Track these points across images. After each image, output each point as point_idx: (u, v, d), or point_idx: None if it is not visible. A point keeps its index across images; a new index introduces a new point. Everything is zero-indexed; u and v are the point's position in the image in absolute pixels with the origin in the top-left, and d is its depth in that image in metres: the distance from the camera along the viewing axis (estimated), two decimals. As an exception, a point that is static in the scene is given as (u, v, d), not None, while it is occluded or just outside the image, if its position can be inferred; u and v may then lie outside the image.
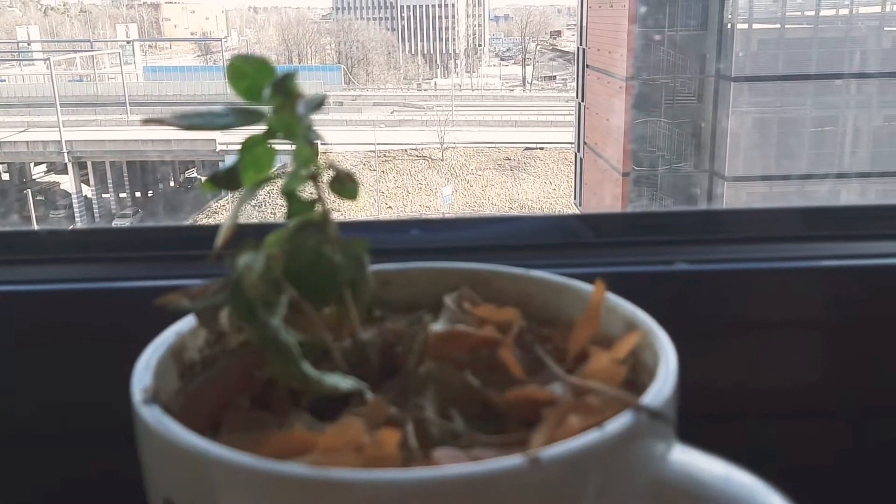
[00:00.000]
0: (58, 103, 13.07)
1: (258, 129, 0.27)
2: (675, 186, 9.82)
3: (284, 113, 0.26)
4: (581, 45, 11.98)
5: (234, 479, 0.21)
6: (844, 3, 9.98)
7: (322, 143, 0.28)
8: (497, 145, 15.14)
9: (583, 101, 11.53)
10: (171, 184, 14.31)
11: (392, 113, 17.81)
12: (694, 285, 0.48)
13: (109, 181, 13.19)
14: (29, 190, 12.48)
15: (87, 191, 12.92)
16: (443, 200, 13.71)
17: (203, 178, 0.28)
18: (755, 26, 10.02)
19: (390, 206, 13.46)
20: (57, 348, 0.47)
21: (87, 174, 12.87)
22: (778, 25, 10.05)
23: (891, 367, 0.50)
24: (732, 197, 9.17)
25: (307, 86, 0.27)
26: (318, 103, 0.27)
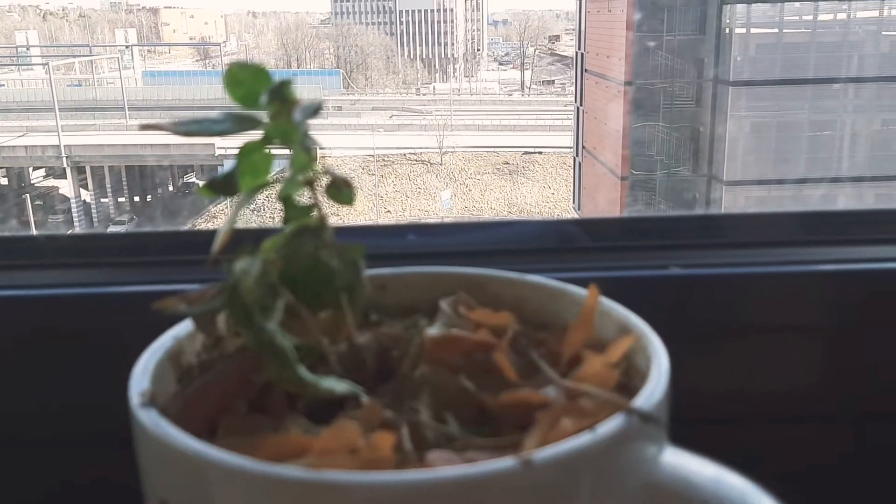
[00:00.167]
0: (57, 108, 13.08)
1: (255, 135, 0.27)
2: (674, 190, 9.83)
3: (281, 119, 0.27)
4: (579, 49, 12.00)
5: (230, 481, 0.21)
6: (842, 8, 10.00)
7: (320, 149, 0.28)
8: (496, 149, 15.16)
9: (581, 105, 11.54)
10: (170, 188, 14.31)
11: (391, 117, 17.83)
12: (688, 290, 0.48)
13: (108, 186, 13.19)
14: (28, 195, 12.48)
15: (86, 195, 12.92)
16: (442, 205, 13.71)
17: (200, 184, 0.28)
18: (753, 31, 10.04)
19: (389, 211, 13.47)
20: (55, 353, 0.47)
21: (85, 179, 12.87)
22: (776, 30, 10.07)
23: (887, 372, 0.50)
24: (731, 201, 9.18)
25: (306, 90, 0.28)
26: (315, 110, 0.28)
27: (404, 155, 14.82)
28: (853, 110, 9.78)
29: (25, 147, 13.07)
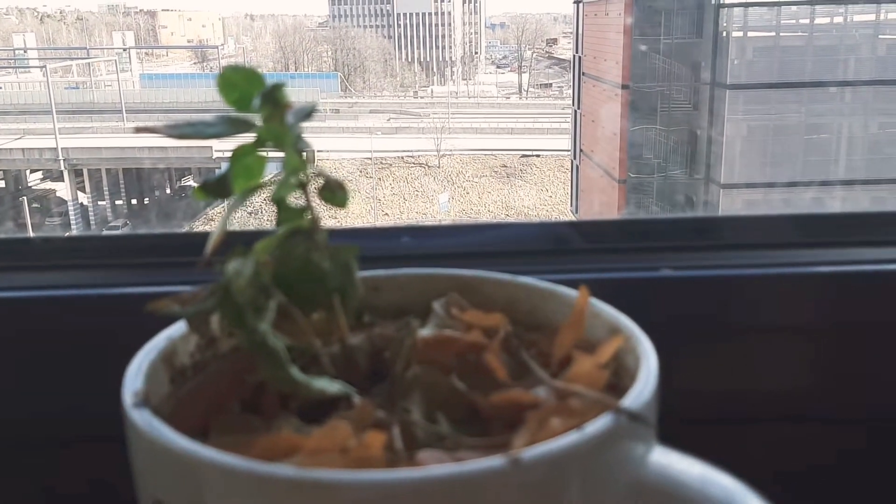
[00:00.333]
0: (54, 110, 13.07)
1: (249, 138, 0.28)
2: (671, 193, 9.84)
3: (273, 122, 0.27)
4: (577, 52, 12.02)
5: (223, 480, 0.22)
6: (839, 12, 10.02)
7: (314, 152, 0.28)
8: (493, 152, 15.17)
9: (579, 108, 11.56)
10: (167, 191, 14.30)
11: (389, 120, 17.84)
12: (679, 292, 0.49)
13: (105, 189, 13.18)
14: (25, 197, 12.47)
15: (83, 198, 12.90)
16: (440, 208, 13.72)
17: (193, 190, 0.28)
18: (750, 34, 10.06)
19: (387, 214, 13.47)
20: (50, 354, 0.48)
21: (83, 181, 12.86)
22: (773, 33, 10.09)
23: (882, 374, 0.50)
24: (728, 204, 9.19)
25: (304, 93, 0.28)
26: (308, 113, 0.28)
27: (402, 158, 14.83)
28: (850, 113, 9.80)
29: (23, 150, 13.06)
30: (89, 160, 12.83)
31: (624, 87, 9.81)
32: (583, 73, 11.50)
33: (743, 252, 0.52)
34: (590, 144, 11.04)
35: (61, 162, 12.28)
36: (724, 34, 9.65)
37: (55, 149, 12.31)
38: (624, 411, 0.23)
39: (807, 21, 10.14)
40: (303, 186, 0.28)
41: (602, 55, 10.82)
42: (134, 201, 13.80)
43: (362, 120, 17.44)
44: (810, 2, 9.96)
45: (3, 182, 13.18)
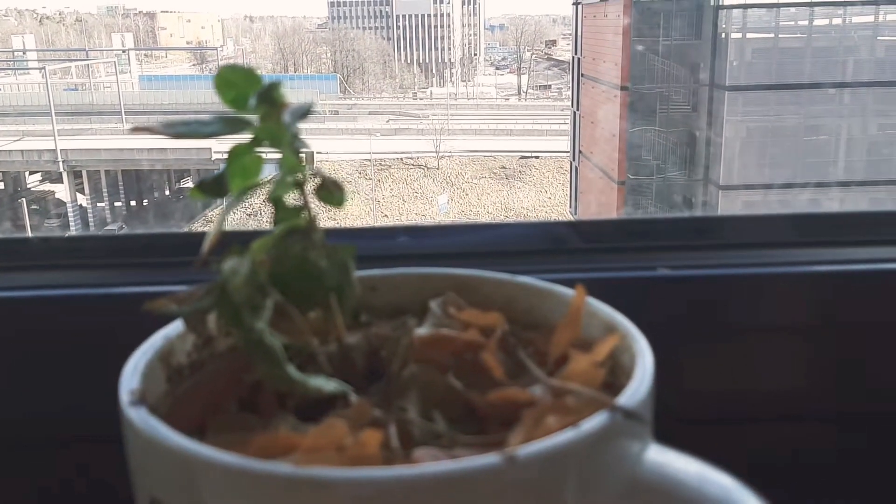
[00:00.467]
0: (53, 112, 13.07)
1: (245, 137, 0.28)
2: (670, 195, 9.84)
3: (270, 122, 0.27)
4: (576, 54, 12.02)
5: (219, 478, 0.22)
6: (838, 13, 10.04)
7: (310, 152, 0.28)
8: (493, 154, 15.17)
9: (578, 110, 11.56)
10: (166, 193, 14.30)
11: (388, 122, 17.84)
12: (676, 291, 0.49)
13: (104, 190, 13.18)
14: (24, 199, 12.46)
15: (83, 200, 12.90)
16: (439, 209, 13.72)
17: (190, 190, 0.28)
18: (749, 35, 10.06)
19: (386, 215, 13.47)
20: (47, 353, 0.48)
21: (82, 183, 12.86)
22: (772, 35, 10.10)
23: (880, 373, 0.50)
24: (727, 206, 9.19)
25: (303, 94, 0.28)
26: (304, 112, 0.28)
27: (401, 159, 14.83)
28: (849, 115, 9.81)
29: (22, 151, 13.06)
30: (88, 162, 12.83)
31: (623, 88, 9.82)
32: (582, 75, 11.50)
33: (740, 251, 0.52)
34: (589, 146, 11.04)
35: (60, 163, 12.28)
36: (723, 36, 9.65)
37: (54, 150, 12.31)
38: (619, 409, 0.23)
39: (805, 22, 10.15)
40: (300, 186, 0.28)
41: (601, 57, 10.82)
42: (133, 203, 13.80)
43: (361, 121, 17.45)
44: (809, 3, 9.97)
45: (2, 184, 13.17)
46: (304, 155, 0.28)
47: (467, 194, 14.34)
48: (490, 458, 0.21)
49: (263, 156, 0.28)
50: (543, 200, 13.97)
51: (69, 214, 12.35)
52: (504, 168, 14.80)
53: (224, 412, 0.27)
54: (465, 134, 16.27)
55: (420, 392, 0.27)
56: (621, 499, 0.24)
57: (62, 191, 12.70)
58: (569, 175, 12.61)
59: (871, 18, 10.06)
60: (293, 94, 0.29)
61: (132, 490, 0.25)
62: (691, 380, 0.42)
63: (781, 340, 0.49)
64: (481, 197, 14.22)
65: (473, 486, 0.21)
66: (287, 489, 0.21)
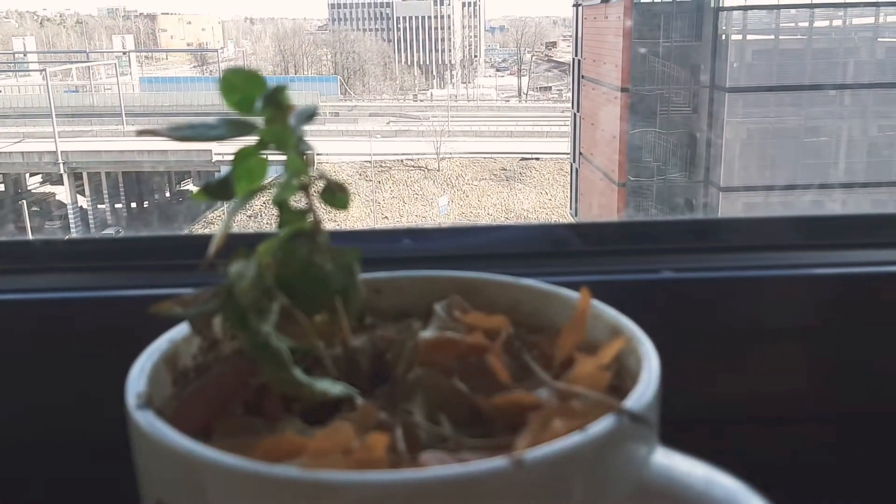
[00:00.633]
0: (53, 114, 13.08)
1: (250, 140, 0.28)
2: (670, 196, 9.85)
3: (276, 124, 0.27)
4: (576, 55, 12.03)
5: (226, 481, 0.22)
6: (838, 15, 10.04)
7: (315, 154, 0.29)
8: (493, 155, 15.18)
9: (578, 111, 11.57)
10: (167, 195, 14.31)
11: (388, 123, 17.86)
12: (680, 293, 0.49)
13: (105, 192, 13.18)
14: (24, 201, 12.47)
15: (83, 202, 12.91)
16: (439, 211, 13.73)
17: (195, 190, 0.28)
18: (749, 37, 10.07)
19: (386, 217, 13.47)
20: (51, 355, 0.48)
21: (82, 185, 12.87)
22: (772, 36, 10.10)
23: (881, 375, 0.50)
24: (728, 207, 9.20)
25: (303, 96, 0.28)
26: (310, 115, 0.28)
27: (401, 161, 14.84)
28: (849, 116, 9.82)
29: (22, 153, 13.07)
30: (89, 164, 12.84)
31: (623, 90, 9.82)
32: (582, 77, 11.51)
33: (743, 254, 0.52)
34: (589, 147, 11.05)
35: (61, 165, 12.29)
36: (723, 37, 9.66)
37: (55, 152, 12.32)
38: (626, 412, 0.23)
39: (806, 24, 10.15)
40: (304, 188, 0.28)
41: (601, 58, 10.83)
42: (133, 204, 13.80)
43: (362, 123, 17.46)
44: (809, 5, 9.98)
45: (2, 186, 13.18)
46: (308, 157, 0.28)
47: (468, 196, 14.34)
48: (498, 462, 0.21)
49: (268, 158, 0.28)
50: (544, 202, 13.97)
51: (70, 216, 12.36)
52: (504, 170, 14.81)
53: (229, 415, 0.27)
54: (466, 135, 16.29)
55: (425, 395, 0.27)
56: (628, 502, 0.24)
57: (63, 193, 12.71)
58: (569, 177, 12.62)
59: (871, 20, 10.07)
60: (293, 96, 0.29)
61: (138, 493, 0.25)
62: (695, 382, 0.42)
63: (783, 342, 0.49)
64: (482, 198, 14.22)
65: (481, 489, 0.21)
66: (294, 492, 0.21)
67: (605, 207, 10.12)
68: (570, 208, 12.05)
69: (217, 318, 0.27)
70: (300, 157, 0.28)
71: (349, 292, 0.29)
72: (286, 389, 0.26)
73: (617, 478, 0.23)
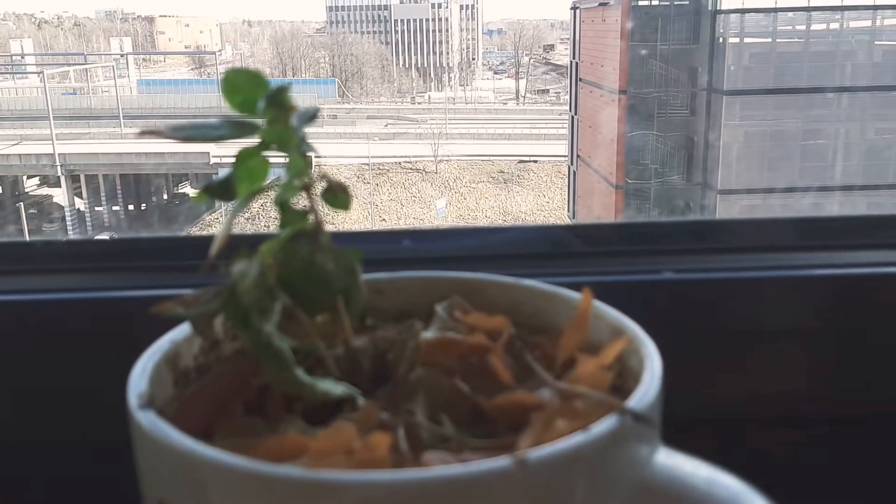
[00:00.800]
0: (51, 116, 13.06)
1: (252, 141, 0.28)
2: (668, 199, 9.86)
3: (278, 125, 0.27)
4: (574, 58, 12.05)
5: (228, 480, 0.21)
6: (835, 18, 10.06)
7: (316, 156, 0.29)
8: (491, 158, 15.19)
9: (576, 114, 11.58)
10: (165, 197, 14.30)
11: (386, 126, 17.86)
12: (681, 294, 0.49)
13: (102, 194, 13.17)
14: (21, 203, 12.46)
15: (80, 204, 12.90)
16: (437, 213, 13.73)
17: (197, 190, 0.28)
18: (746, 40, 10.09)
19: (384, 219, 13.47)
20: (51, 356, 0.48)
21: (80, 187, 12.86)
22: (769, 39, 10.12)
23: (881, 375, 0.51)
24: (725, 210, 9.21)
25: (301, 99, 0.28)
26: (311, 116, 0.28)
27: (399, 163, 14.85)
28: (846, 119, 9.83)
29: (20, 156, 13.06)
30: (86, 166, 12.83)
31: (621, 92, 9.84)
32: (580, 79, 11.53)
33: (743, 255, 0.52)
34: (587, 150, 11.06)
35: (58, 168, 12.27)
36: (721, 40, 9.68)
37: (52, 154, 12.31)
38: (629, 412, 0.23)
39: (803, 27, 10.17)
40: (306, 189, 0.28)
41: (599, 61, 10.85)
42: (131, 207, 13.79)
43: (359, 125, 17.47)
44: (807, 8, 10.00)
45: (0, 188, 13.16)
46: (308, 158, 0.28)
47: (465, 198, 14.35)
48: (501, 462, 0.21)
49: (270, 159, 0.28)
50: (541, 205, 13.98)
51: (67, 218, 12.35)
52: (502, 172, 14.82)
53: (231, 416, 0.27)
54: (464, 138, 16.30)
55: (427, 395, 0.27)
56: (631, 502, 0.24)
57: (60, 195, 12.70)
58: (567, 179, 12.63)
59: (868, 23, 10.09)
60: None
61: (139, 493, 0.25)
62: (696, 382, 0.42)
63: (783, 342, 0.50)
64: (479, 201, 14.23)
65: (484, 489, 0.21)
66: (297, 492, 0.21)
67: (602, 210, 10.13)
68: (568, 211, 12.06)
69: (218, 318, 0.27)
70: (302, 158, 0.28)
71: (351, 292, 0.29)
72: (288, 389, 0.26)
73: (620, 478, 0.23)
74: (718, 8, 9.73)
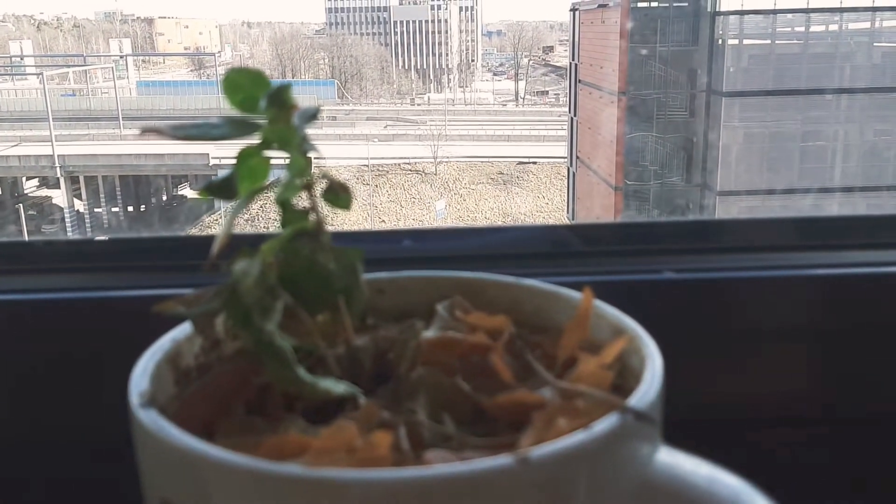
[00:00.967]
0: (50, 118, 13.06)
1: (252, 141, 0.28)
2: (668, 200, 9.86)
3: (280, 124, 0.27)
4: (573, 60, 12.05)
5: (230, 478, 0.21)
6: (834, 20, 10.07)
7: (317, 156, 0.28)
8: (490, 159, 15.20)
9: (575, 115, 11.59)
10: (164, 198, 14.29)
11: (385, 127, 17.87)
12: (682, 294, 0.49)
13: (102, 195, 13.17)
14: (21, 204, 12.45)
15: (80, 205, 12.89)
16: (436, 215, 13.73)
17: (197, 191, 0.28)
18: (746, 41, 10.10)
19: (383, 220, 13.47)
20: (51, 356, 0.48)
21: (79, 189, 12.85)
22: (768, 41, 10.13)
23: (880, 375, 0.51)
24: (725, 211, 9.21)
25: (301, 101, 0.28)
26: (313, 115, 0.28)
27: (399, 165, 14.85)
28: (846, 121, 9.84)
29: (19, 157, 13.06)
30: (86, 167, 12.83)
31: (620, 94, 9.84)
32: (579, 81, 11.53)
33: (744, 255, 0.52)
34: (586, 151, 11.06)
35: (58, 169, 12.27)
36: (720, 42, 9.69)
37: (52, 156, 12.31)
38: (630, 410, 0.23)
39: (802, 29, 10.18)
40: (308, 188, 0.28)
41: (598, 62, 10.85)
42: (130, 208, 13.78)
43: (359, 127, 17.47)
44: (806, 10, 10.01)
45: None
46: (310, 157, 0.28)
47: (465, 200, 14.35)
48: (503, 460, 0.21)
49: (271, 158, 0.28)
50: (541, 206, 13.98)
51: (66, 220, 12.34)
52: (502, 173, 14.82)
53: (232, 415, 0.27)
54: (463, 139, 16.30)
55: (428, 394, 0.27)
56: (632, 500, 0.24)
57: (59, 196, 12.69)
58: (566, 180, 12.64)
59: (867, 25, 10.10)
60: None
61: (142, 492, 0.25)
62: (696, 381, 0.42)
63: (783, 342, 0.50)
64: (479, 202, 14.23)
65: (486, 487, 0.21)
66: (299, 490, 0.21)
67: (602, 211, 10.13)
68: (568, 212, 12.06)
69: (219, 317, 0.27)
70: (303, 157, 0.28)
71: (352, 292, 0.29)
72: (290, 388, 0.26)
73: (621, 476, 0.23)
74: (717, 9, 9.74)
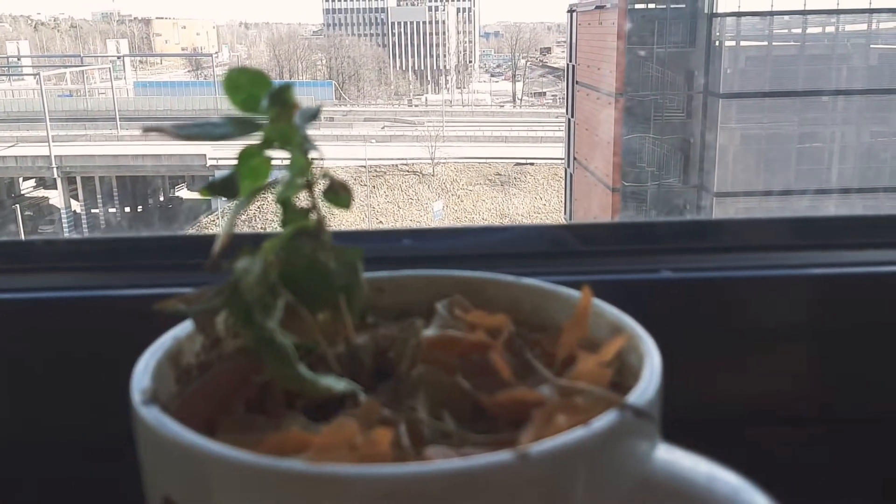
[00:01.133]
0: (47, 118, 13.04)
1: (253, 140, 0.28)
2: (664, 201, 9.87)
3: (281, 123, 0.27)
4: (570, 61, 12.06)
5: (232, 475, 0.22)
6: (831, 21, 10.09)
7: (318, 156, 0.29)
8: (487, 160, 15.21)
9: (572, 117, 11.60)
10: (161, 199, 14.29)
11: (383, 128, 17.87)
12: (679, 293, 0.49)
13: (99, 196, 13.16)
14: (18, 205, 12.43)
15: (76, 206, 12.88)
16: (434, 216, 13.74)
17: (198, 190, 0.29)
18: (743, 43, 10.11)
19: (381, 221, 13.47)
20: (51, 356, 0.48)
21: (76, 189, 12.84)
22: (765, 42, 10.15)
23: (878, 375, 0.51)
24: (721, 213, 9.22)
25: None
26: (314, 114, 0.28)
27: (396, 166, 14.85)
28: (842, 122, 9.86)
29: (16, 157, 13.04)
30: (83, 168, 12.82)
31: (618, 95, 9.85)
32: (576, 82, 11.54)
33: (742, 254, 0.52)
34: (584, 153, 11.07)
35: (55, 170, 12.26)
36: (717, 43, 9.70)
37: (48, 156, 12.29)
38: (629, 407, 0.24)
39: (799, 30, 10.20)
40: (308, 187, 0.28)
41: (596, 64, 10.86)
42: (127, 209, 13.77)
43: (357, 128, 17.47)
44: (803, 12, 10.02)
45: (-4, 189, 13.13)
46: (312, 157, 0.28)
47: (462, 201, 14.36)
48: (503, 456, 0.21)
49: (272, 157, 0.28)
50: (538, 207, 13.99)
51: (63, 220, 12.33)
52: (499, 174, 14.83)
53: (232, 413, 0.27)
54: (460, 140, 16.31)
55: (428, 392, 0.27)
56: (631, 497, 0.24)
57: (56, 197, 12.68)
58: (563, 182, 12.65)
59: (864, 27, 10.12)
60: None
61: (144, 490, 0.25)
62: (693, 380, 0.42)
63: (782, 341, 0.50)
64: (476, 203, 14.24)
65: (486, 483, 0.21)
66: (300, 486, 0.21)
67: (599, 212, 10.14)
68: (565, 213, 12.07)
69: (220, 315, 0.27)
70: (304, 156, 0.28)
71: (353, 290, 0.29)
72: (291, 385, 0.26)
73: (620, 472, 0.24)
74: (715, 11, 9.76)
